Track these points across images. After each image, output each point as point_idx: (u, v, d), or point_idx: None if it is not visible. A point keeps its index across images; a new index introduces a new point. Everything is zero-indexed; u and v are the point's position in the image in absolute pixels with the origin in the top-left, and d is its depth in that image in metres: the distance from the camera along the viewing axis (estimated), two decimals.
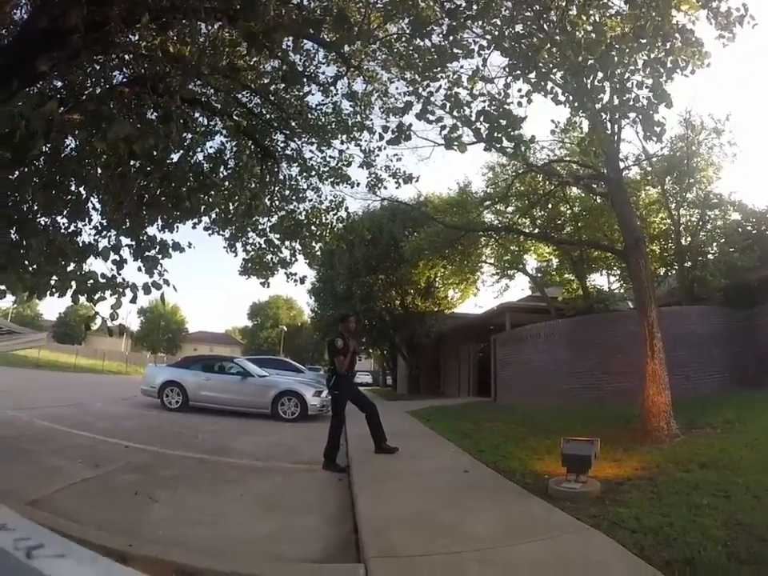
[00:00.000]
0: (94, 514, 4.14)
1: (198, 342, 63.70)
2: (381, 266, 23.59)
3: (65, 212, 5.64)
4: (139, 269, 5.01)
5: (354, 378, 7.74)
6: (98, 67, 6.35)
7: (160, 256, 5.17)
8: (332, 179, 9.01)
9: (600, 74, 4.76)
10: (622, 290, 18.75)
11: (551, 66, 5.12)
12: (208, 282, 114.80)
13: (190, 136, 6.74)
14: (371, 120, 8.44)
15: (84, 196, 5.68)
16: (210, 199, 6.99)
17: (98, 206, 6.01)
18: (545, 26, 5.11)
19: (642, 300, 8.41)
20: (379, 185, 9.24)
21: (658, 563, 3.14)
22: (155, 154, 4.64)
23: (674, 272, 16.69)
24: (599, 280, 20.94)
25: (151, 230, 5.83)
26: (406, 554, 3.39)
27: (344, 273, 24.17)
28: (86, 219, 5.88)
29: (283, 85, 7.68)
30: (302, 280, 9.31)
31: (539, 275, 20.90)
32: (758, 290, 13.15)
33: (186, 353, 43.70)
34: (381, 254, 23.14)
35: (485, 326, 20.68)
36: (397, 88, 7.94)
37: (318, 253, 10.29)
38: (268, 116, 8.45)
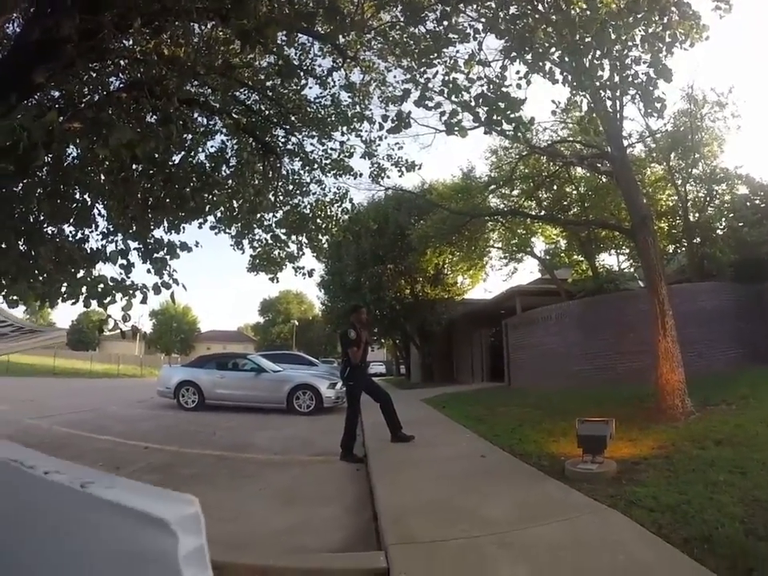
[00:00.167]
0: None
1: (211, 341, 63.98)
2: (388, 256, 23.56)
3: (71, 220, 5.70)
4: (148, 271, 5.07)
5: (367, 369, 7.78)
6: (94, 74, 6.38)
7: (168, 257, 5.20)
8: (334, 171, 9.00)
9: (598, 52, 4.71)
10: (631, 269, 18.63)
11: (547, 45, 5.07)
12: (217, 281, 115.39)
13: (190, 137, 6.76)
14: (370, 110, 8.42)
15: (89, 203, 5.74)
16: (214, 198, 7.02)
17: (103, 211, 6.07)
18: (539, 6, 5.05)
19: (652, 278, 8.34)
20: (382, 174, 9.22)
21: (676, 541, 3.16)
22: (157, 156, 4.67)
23: (683, 249, 16.54)
24: (609, 260, 20.82)
25: (158, 233, 5.90)
26: (425, 540, 3.43)
27: (352, 264, 24.17)
28: (93, 226, 5.94)
29: (280, 80, 7.67)
30: (310, 273, 9.35)
31: (548, 257, 20.81)
32: None
33: (199, 352, 43.98)
34: (388, 243, 23.11)
35: (495, 310, 20.63)
36: (395, 76, 7.91)
37: (325, 245, 10.32)
38: (267, 112, 8.45)
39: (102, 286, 4.43)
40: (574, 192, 17.16)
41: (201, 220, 7.57)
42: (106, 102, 5.48)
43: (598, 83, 4.97)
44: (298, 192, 9.20)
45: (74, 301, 4.65)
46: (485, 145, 23.49)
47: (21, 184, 4.99)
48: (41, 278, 5.02)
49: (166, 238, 5.38)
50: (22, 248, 5.10)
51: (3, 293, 5.04)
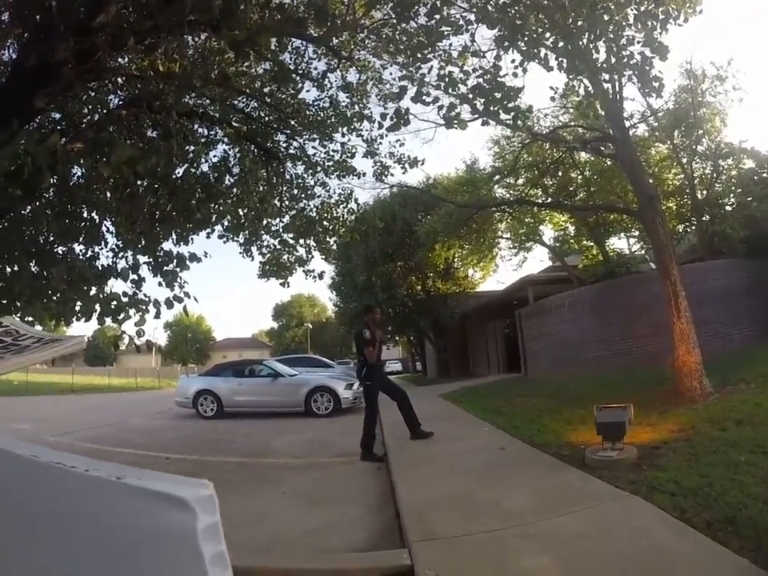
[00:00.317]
0: None
1: (227, 349, 64.41)
2: (398, 253, 23.59)
3: (80, 238, 5.77)
4: (160, 284, 5.11)
5: (383, 368, 7.80)
6: (93, 93, 6.44)
7: (178, 269, 5.25)
8: (338, 173, 9.02)
9: (591, 35, 4.68)
10: (642, 251, 18.47)
11: (540, 32, 5.04)
12: (229, 288, 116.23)
13: (192, 148, 6.80)
14: (369, 109, 8.42)
15: (97, 220, 5.81)
16: (221, 208, 7.06)
17: (111, 228, 6.13)
18: None
19: (663, 259, 8.26)
20: (385, 172, 9.23)
21: (699, 525, 3.14)
22: (159, 171, 4.71)
23: (692, 228, 16.37)
24: (619, 243, 20.66)
25: (167, 245, 5.95)
26: (447, 536, 3.44)
27: (362, 264, 24.19)
28: (102, 243, 6.02)
29: (277, 86, 7.69)
30: (321, 276, 9.40)
31: (557, 245, 20.68)
32: None
33: (215, 361, 44.29)
34: (396, 241, 23.11)
35: (508, 301, 20.58)
36: (391, 73, 7.93)
37: (334, 247, 10.35)
38: (267, 118, 8.47)
39: (115, 302, 4.48)
40: (580, 177, 17.03)
41: (208, 230, 7.64)
42: (107, 120, 5.54)
43: (594, 66, 4.94)
44: (303, 196, 9.23)
45: (87, 318, 4.72)
46: (487, 135, 23.47)
47: (29, 206, 5.06)
48: (54, 298, 5.09)
49: (175, 251, 5.43)
50: (34, 269, 5.18)
51: (18, 315, 5.12)
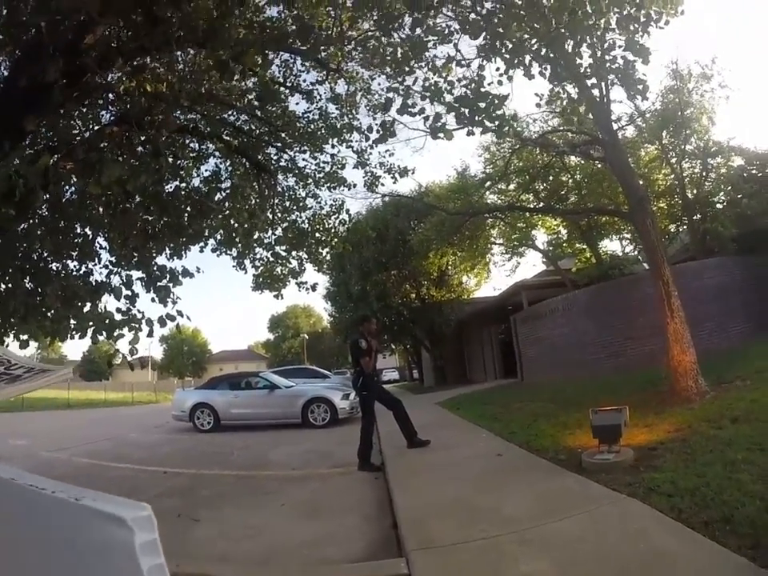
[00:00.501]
0: None
1: (223, 362, 64.16)
2: (391, 262, 23.61)
3: (74, 255, 5.77)
4: (153, 300, 5.12)
5: (378, 377, 7.80)
6: (84, 109, 6.46)
7: (171, 285, 5.27)
8: (328, 184, 9.05)
9: (572, 41, 4.73)
10: (635, 252, 18.56)
11: (523, 40, 5.09)
12: (225, 300, 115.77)
13: (184, 163, 6.82)
14: (358, 120, 8.48)
15: (90, 236, 5.82)
16: (213, 222, 7.08)
17: (104, 244, 6.13)
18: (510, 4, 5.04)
19: (654, 260, 8.31)
20: (376, 182, 9.27)
21: (697, 525, 3.16)
22: (149, 188, 4.73)
23: (684, 227, 16.47)
24: (612, 245, 20.75)
25: (161, 260, 5.96)
26: (445, 544, 3.45)
27: (356, 274, 24.18)
28: (96, 259, 6.02)
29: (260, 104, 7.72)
30: (314, 287, 9.39)
31: (550, 249, 20.76)
32: None
33: (211, 374, 44.03)
34: (390, 249, 23.14)
35: (503, 306, 20.63)
36: (379, 84, 7.95)
37: (327, 257, 10.35)
38: (257, 131, 8.51)
39: (108, 320, 4.49)
40: (570, 181, 17.10)
41: (202, 244, 7.65)
42: (98, 138, 5.56)
43: (578, 72, 4.99)
44: (294, 208, 9.25)
45: (81, 336, 4.72)
46: (477, 142, 23.54)
47: (23, 225, 5.06)
48: (49, 315, 5.09)
49: (169, 265, 5.45)
50: (28, 286, 5.18)
51: (13, 331, 5.11)
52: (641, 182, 11.06)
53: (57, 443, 11.47)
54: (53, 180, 3.53)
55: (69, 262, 5.89)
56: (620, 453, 4.82)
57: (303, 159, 8.98)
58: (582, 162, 15.69)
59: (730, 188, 14.70)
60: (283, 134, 8.46)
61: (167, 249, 6.44)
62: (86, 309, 5.04)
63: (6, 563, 1.24)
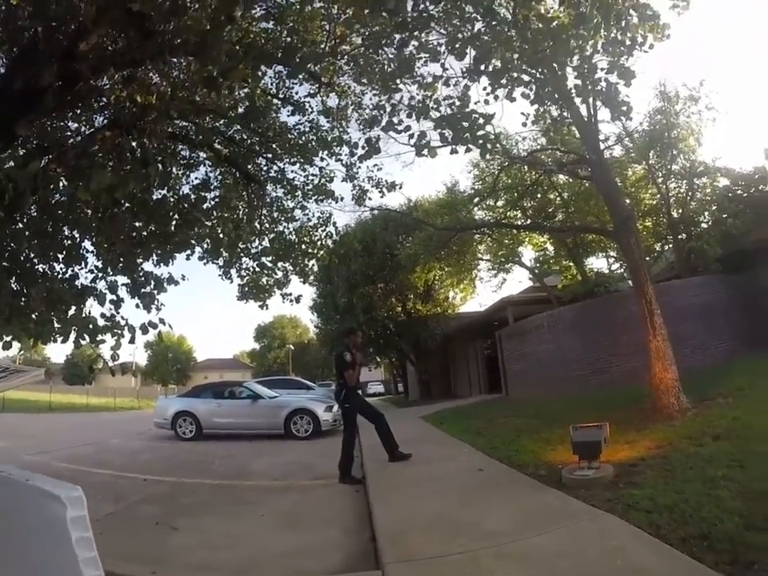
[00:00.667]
0: (116, 546, 4.12)
1: (207, 370, 63.59)
2: (378, 275, 23.59)
3: (61, 257, 5.74)
4: (137, 306, 5.10)
5: (362, 390, 7.79)
6: (78, 112, 6.44)
7: (156, 291, 5.25)
8: (316, 196, 9.08)
9: (555, 65, 4.82)
10: (621, 270, 18.72)
11: (507, 62, 5.15)
12: (211, 309, 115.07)
13: (173, 171, 6.82)
14: (348, 134, 8.53)
15: (77, 239, 5.79)
16: (200, 230, 7.06)
17: (91, 248, 6.11)
18: (496, 26, 5.11)
19: (638, 278, 8.41)
20: (364, 196, 9.30)
21: (674, 541, 3.18)
22: (138, 195, 4.72)
23: (669, 246, 16.66)
24: (598, 263, 20.92)
25: (147, 266, 5.93)
26: (423, 557, 3.44)
27: (343, 286, 24.12)
28: (82, 262, 5.98)
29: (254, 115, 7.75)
30: (298, 299, 9.37)
31: (537, 265, 20.88)
32: (755, 253, 13.09)
33: (196, 382, 43.66)
34: (377, 263, 23.15)
35: (488, 322, 20.68)
36: (370, 99, 8.01)
37: (314, 269, 10.34)
38: (248, 141, 8.53)
39: (91, 325, 4.46)
40: (558, 198, 17.26)
41: (188, 252, 7.62)
42: (89, 143, 5.54)
43: (565, 93, 5.07)
44: (282, 219, 9.26)
45: (64, 339, 4.68)
46: (466, 158, 23.71)
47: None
48: (33, 317, 5.05)
49: (155, 272, 5.43)
50: (14, 287, 5.13)
51: None
52: (627, 201, 11.22)
53: (38, 447, 11.30)
54: (42, 184, 3.52)
55: (55, 264, 5.86)
56: (600, 469, 4.84)
57: (293, 171, 9.02)
58: (570, 180, 15.85)
59: (714, 208, 14.91)
60: (274, 145, 8.48)
61: (154, 255, 6.42)
62: (71, 312, 5.01)
63: None
